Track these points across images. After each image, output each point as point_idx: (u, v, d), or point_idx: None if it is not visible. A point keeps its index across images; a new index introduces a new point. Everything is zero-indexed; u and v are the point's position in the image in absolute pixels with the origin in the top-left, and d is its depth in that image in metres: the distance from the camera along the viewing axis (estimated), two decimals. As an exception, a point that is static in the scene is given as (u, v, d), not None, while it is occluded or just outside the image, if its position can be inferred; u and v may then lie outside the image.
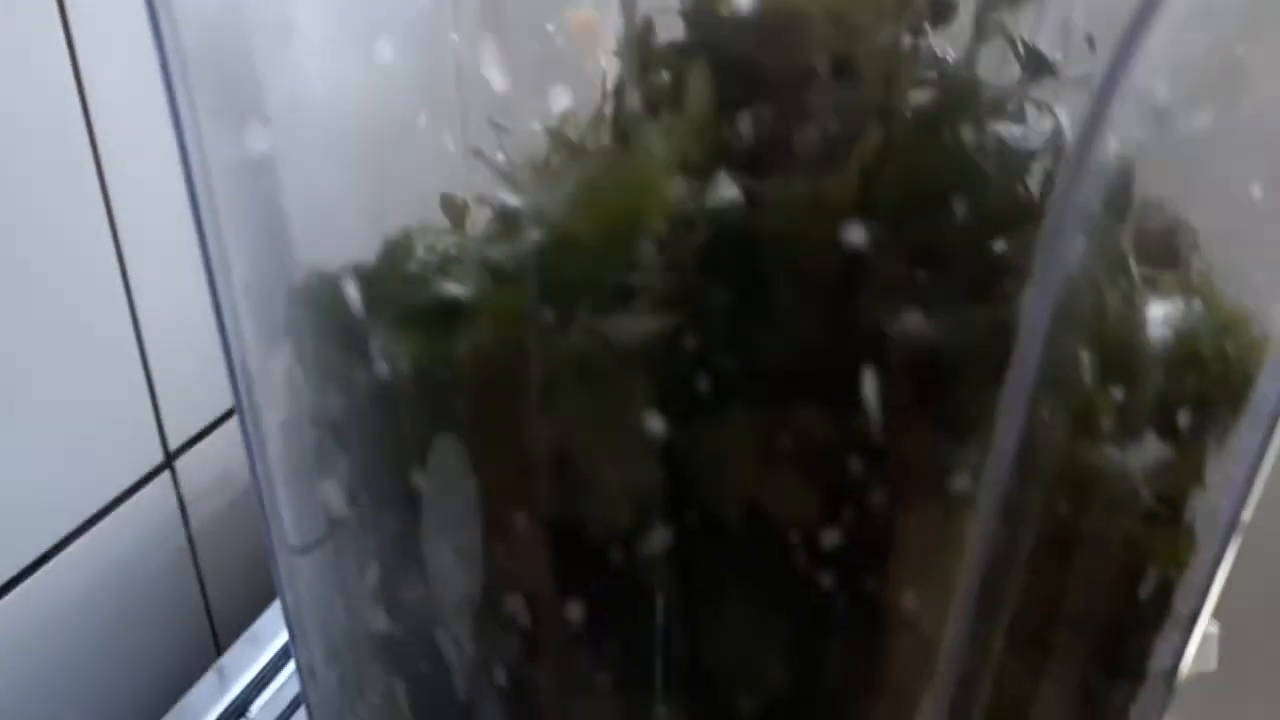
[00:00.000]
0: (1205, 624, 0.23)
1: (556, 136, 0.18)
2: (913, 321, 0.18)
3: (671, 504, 0.17)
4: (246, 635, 0.67)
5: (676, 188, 0.18)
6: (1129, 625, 0.22)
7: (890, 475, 0.17)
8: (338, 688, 0.23)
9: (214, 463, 0.70)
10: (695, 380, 0.17)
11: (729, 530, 0.18)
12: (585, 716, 0.19)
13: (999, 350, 0.17)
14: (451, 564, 0.19)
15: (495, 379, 0.18)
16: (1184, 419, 0.20)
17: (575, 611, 0.19)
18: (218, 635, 0.73)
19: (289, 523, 0.22)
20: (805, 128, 0.20)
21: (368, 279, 0.19)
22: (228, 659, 0.65)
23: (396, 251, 0.19)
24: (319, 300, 0.19)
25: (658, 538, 0.18)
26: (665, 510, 0.17)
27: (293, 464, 0.21)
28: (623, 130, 0.21)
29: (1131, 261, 0.21)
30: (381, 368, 0.18)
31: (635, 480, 0.17)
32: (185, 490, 0.68)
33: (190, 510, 0.69)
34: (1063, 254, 0.17)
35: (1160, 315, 0.20)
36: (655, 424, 0.17)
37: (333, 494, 0.20)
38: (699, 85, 0.18)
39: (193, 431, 0.68)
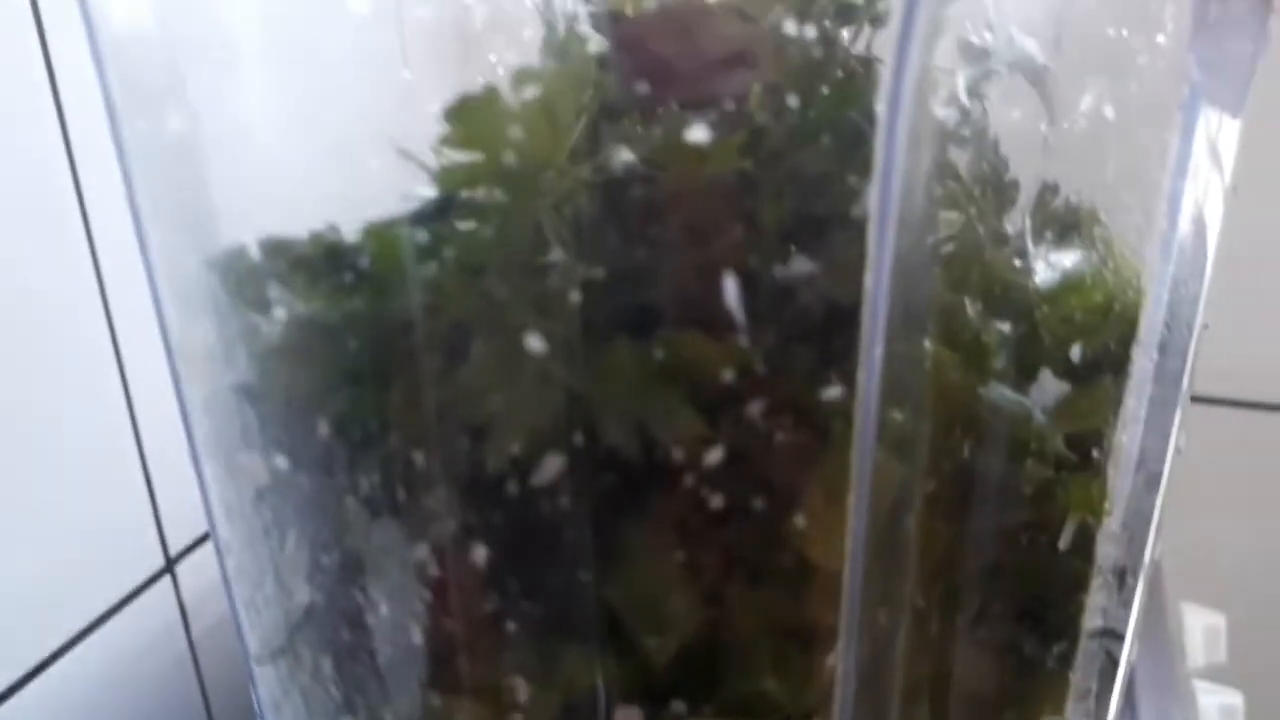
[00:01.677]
0: (1142, 586, 0.23)
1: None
2: (790, 265, 0.19)
3: (565, 432, 0.18)
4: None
5: (572, 144, 0.19)
6: (1051, 580, 0.22)
7: (765, 396, 0.18)
8: (276, 679, 0.23)
9: (215, 567, 0.70)
10: (587, 316, 0.18)
11: (621, 459, 0.18)
12: (497, 665, 0.19)
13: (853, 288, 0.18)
14: (360, 517, 0.19)
15: (388, 326, 0.18)
16: (1077, 354, 0.20)
17: (480, 555, 0.19)
18: (219, 740, 0.72)
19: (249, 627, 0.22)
20: (701, 105, 0.22)
21: (277, 247, 0.20)
22: (228, 762, 0.64)
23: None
24: (230, 264, 0.20)
25: (551, 465, 0.18)
26: (559, 438, 0.18)
27: (219, 443, 0.22)
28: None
29: (1021, 223, 0.22)
30: (282, 321, 0.19)
31: (527, 406, 0.18)
32: (186, 595, 0.68)
33: (191, 615, 0.69)
34: (890, 187, 0.17)
35: (1050, 262, 0.21)
36: (536, 344, 0.17)
37: (253, 463, 0.21)
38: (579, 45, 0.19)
39: (193, 536, 0.68)
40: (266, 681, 0.24)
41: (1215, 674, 0.76)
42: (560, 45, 0.19)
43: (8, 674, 0.52)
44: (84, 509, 0.57)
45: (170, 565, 0.66)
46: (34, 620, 0.54)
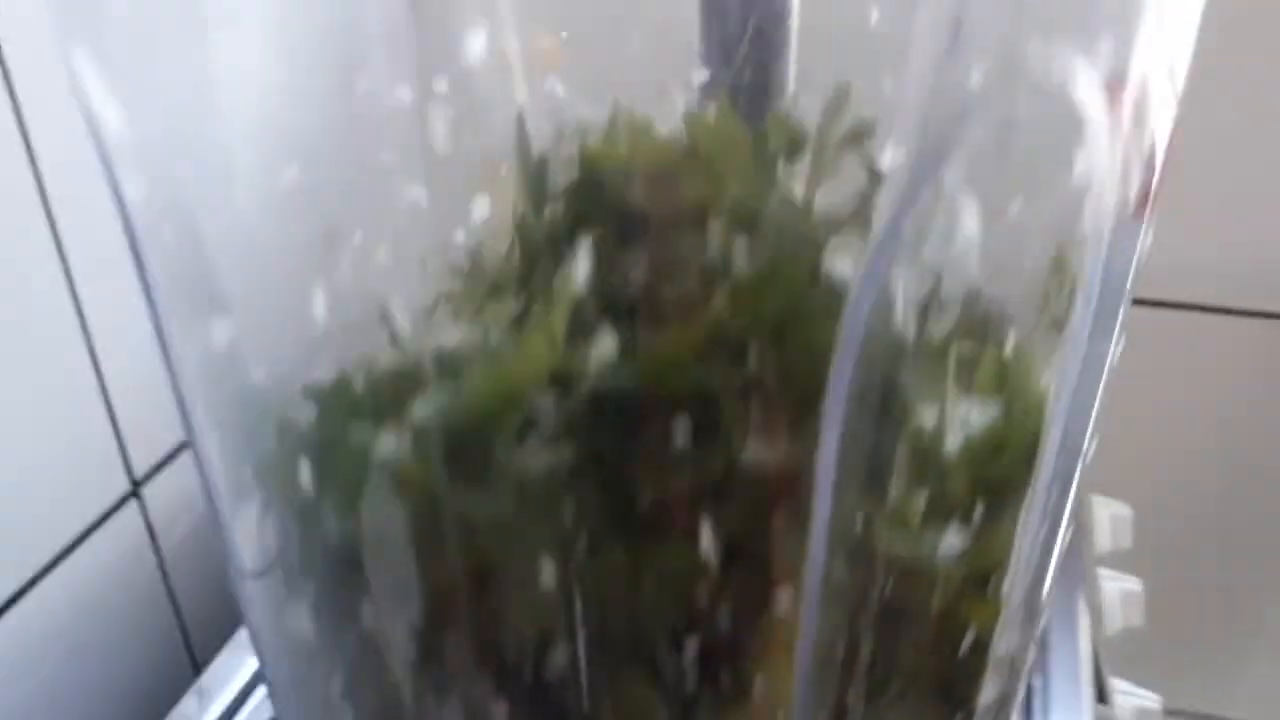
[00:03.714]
0: (1030, 661, 0.28)
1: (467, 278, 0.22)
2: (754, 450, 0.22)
3: (569, 623, 0.22)
4: (223, 655, 0.68)
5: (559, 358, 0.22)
6: (956, 671, 0.27)
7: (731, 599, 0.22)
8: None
9: (181, 486, 0.70)
10: (580, 520, 0.22)
11: (617, 641, 0.22)
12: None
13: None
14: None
15: (418, 526, 0.22)
16: (980, 512, 0.25)
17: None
18: (195, 656, 0.74)
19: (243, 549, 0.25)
20: (672, 272, 0.24)
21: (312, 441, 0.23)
22: (206, 678, 0.67)
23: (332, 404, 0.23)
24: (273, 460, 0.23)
25: (560, 653, 0.22)
26: (564, 627, 0.22)
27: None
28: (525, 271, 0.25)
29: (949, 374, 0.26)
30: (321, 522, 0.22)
31: (538, 606, 0.22)
32: (154, 515, 0.69)
33: (160, 536, 0.70)
34: (843, 381, 0.21)
35: (968, 411, 0.25)
36: (548, 569, 0.21)
37: (301, 620, 0.24)
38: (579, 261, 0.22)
39: (157, 458, 0.68)
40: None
41: (1120, 561, 0.81)
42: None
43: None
44: (44, 440, 0.55)
45: (136, 488, 0.66)
46: (3, 552, 0.53)
